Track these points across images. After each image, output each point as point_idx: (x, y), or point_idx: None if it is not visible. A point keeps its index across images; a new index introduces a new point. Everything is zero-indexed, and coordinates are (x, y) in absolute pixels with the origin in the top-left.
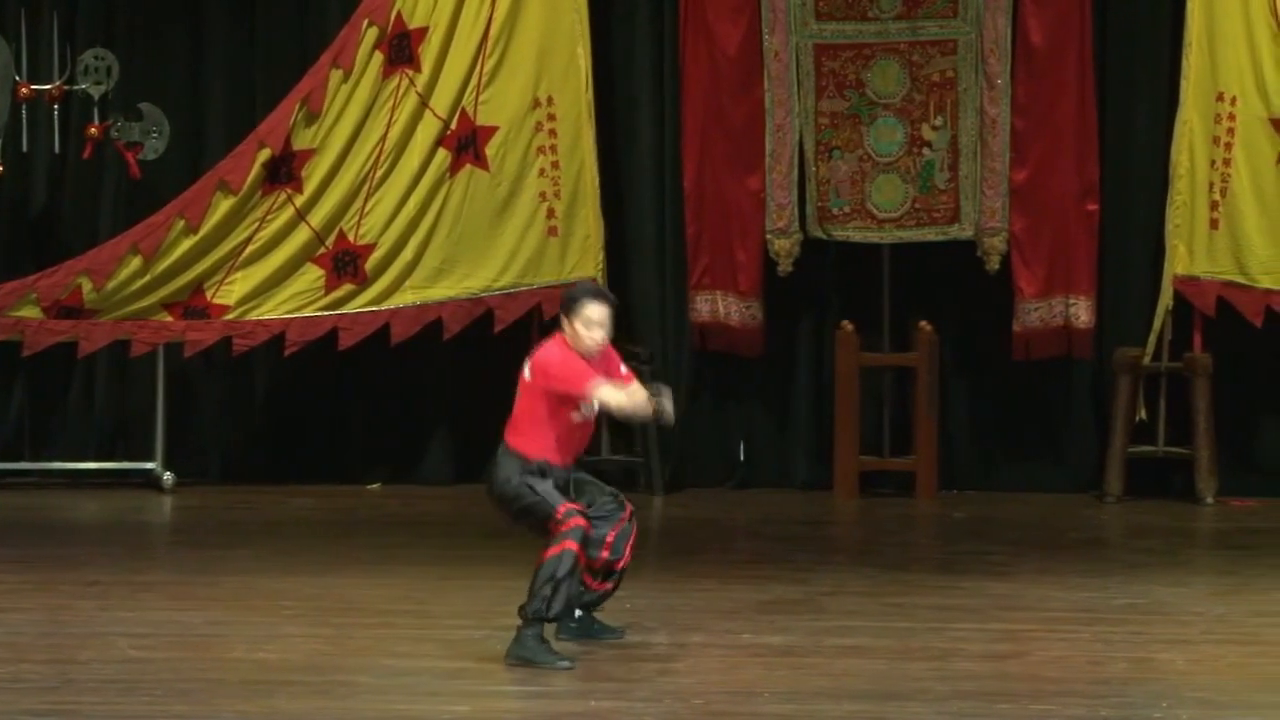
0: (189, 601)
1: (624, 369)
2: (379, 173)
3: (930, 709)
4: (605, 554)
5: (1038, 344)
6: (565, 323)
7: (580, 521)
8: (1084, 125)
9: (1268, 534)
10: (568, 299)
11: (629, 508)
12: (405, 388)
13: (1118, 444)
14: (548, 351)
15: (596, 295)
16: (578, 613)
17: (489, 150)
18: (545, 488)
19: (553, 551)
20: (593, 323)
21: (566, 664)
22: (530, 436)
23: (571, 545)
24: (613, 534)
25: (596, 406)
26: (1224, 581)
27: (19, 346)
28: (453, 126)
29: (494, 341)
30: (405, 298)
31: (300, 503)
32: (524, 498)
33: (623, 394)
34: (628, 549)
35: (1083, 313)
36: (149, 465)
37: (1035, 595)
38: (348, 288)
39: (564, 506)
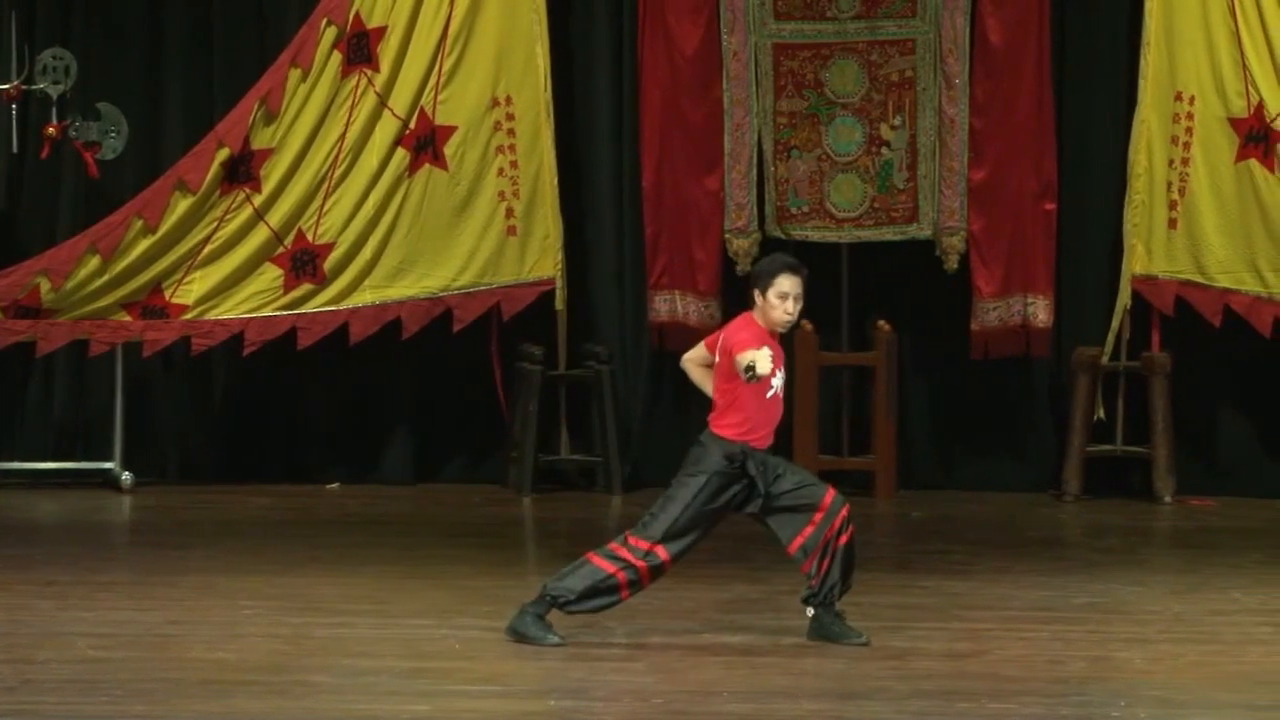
0: (148, 601)
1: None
2: (337, 172)
3: (889, 708)
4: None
5: (996, 343)
6: (757, 296)
7: (663, 559)
8: (1042, 125)
9: (1226, 533)
10: (759, 272)
11: (826, 499)
12: (364, 388)
13: (1076, 443)
14: (730, 329)
15: (789, 267)
16: (809, 610)
17: (448, 150)
18: (697, 503)
19: (613, 566)
20: (786, 295)
21: (557, 640)
22: (728, 419)
23: (632, 572)
24: (799, 540)
25: (778, 379)
26: (1182, 580)
27: None
28: (411, 126)
29: (453, 341)
30: (364, 297)
31: (259, 503)
32: (674, 493)
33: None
34: (818, 551)
35: (1041, 312)
36: (107, 465)
37: (994, 594)
38: (306, 287)
39: (664, 545)
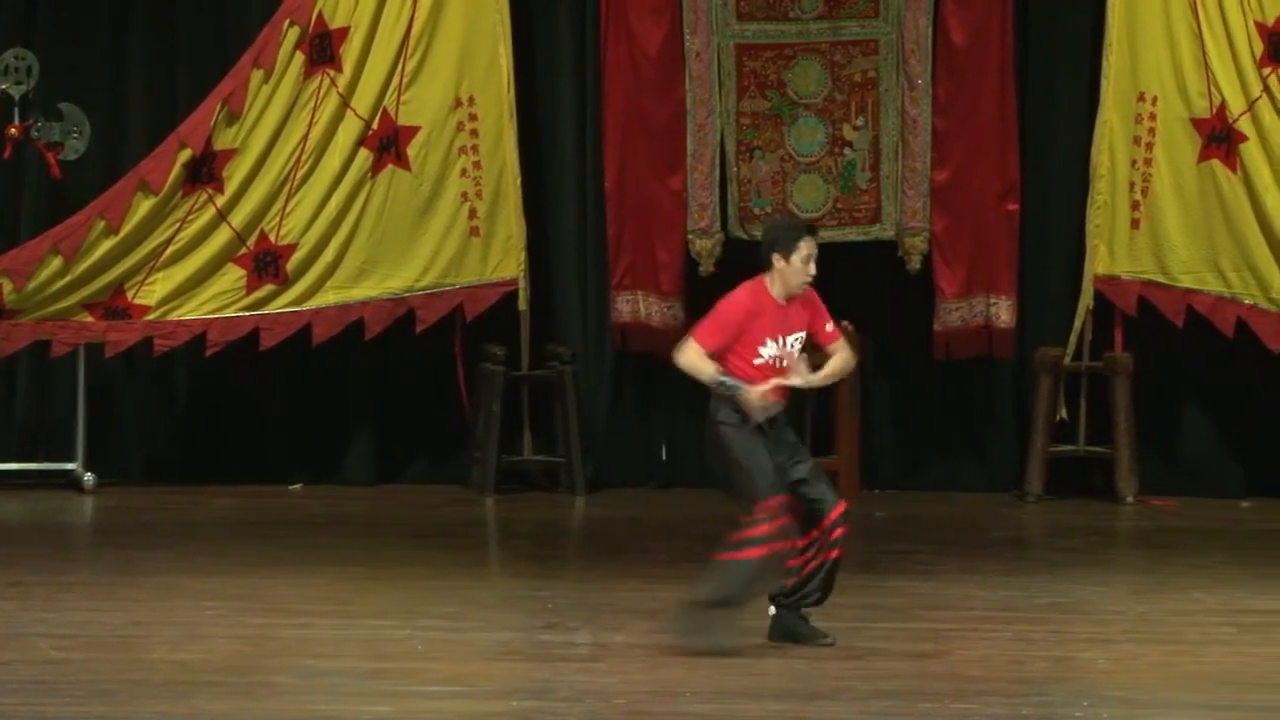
0: (110, 602)
1: (829, 326)
2: (300, 173)
3: (852, 708)
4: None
5: (958, 344)
6: (778, 260)
7: (775, 503)
8: (1005, 125)
9: (1187, 533)
10: (778, 238)
11: (836, 511)
12: (327, 388)
13: (1039, 443)
14: (733, 294)
15: (808, 230)
16: (771, 609)
17: (411, 150)
18: (752, 446)
19: (754, 553)
20: (810, 258)
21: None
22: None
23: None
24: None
25: (767, 349)
26: (1144, 580)
27: None
28: (374, 127)
29: (416, 342)
30: (327, 298)
31: (222, 503)
32: (727, 466)
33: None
34: (809, 554)
35: (1003, 312)
36: (70, 466)
37: (957, 594)
38: (269, 288)
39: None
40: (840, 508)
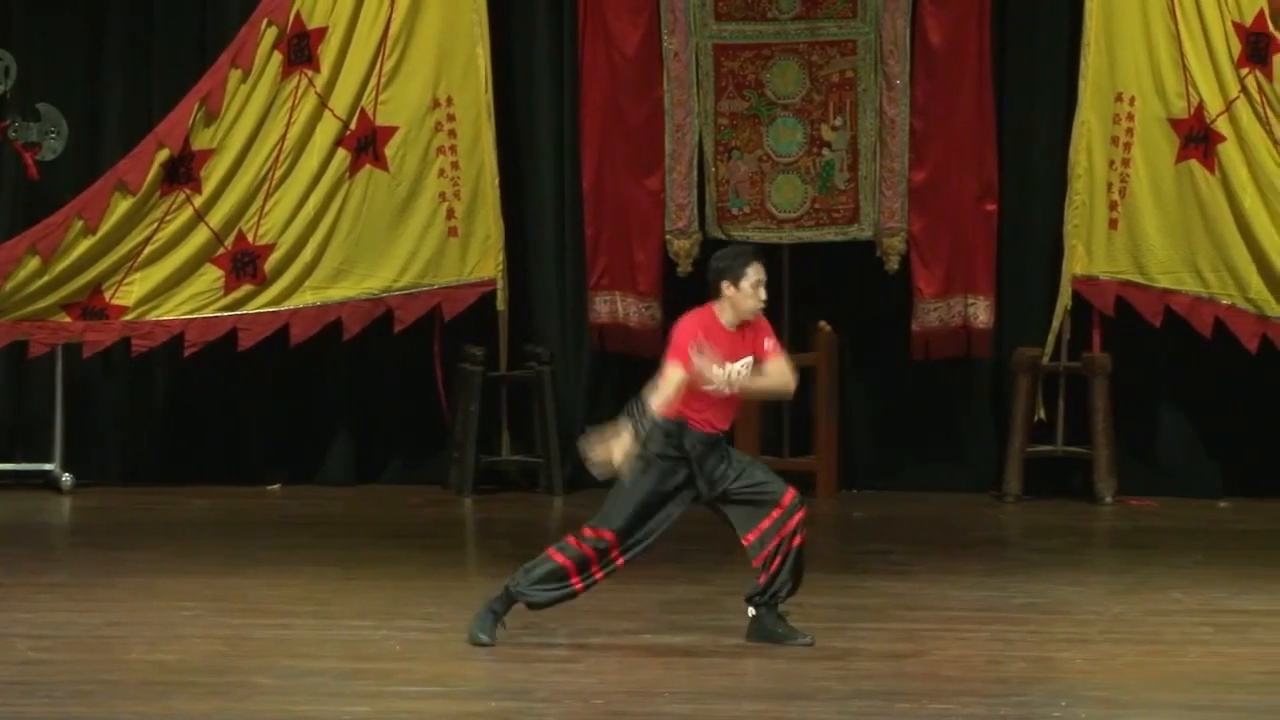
0: (88, 603)
1: (769, 343)
2: (278, 173)
3: (830, 708)
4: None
5: (937, 344)
6: (727, 288)
7: (609, 541)
8: (983, 126)
9: (1166, 533)
10: (725, 266)
11: (786, 497)
12: (305, 389)
13: (1017, 443)
14: (682, 321)
15: (755, 255)
16: (750, 610)
17: (388, 150)
18: (642, 486)
19: (563, 557)
20: (760, 283)
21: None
22: (687, 402)
23: (580, 558)
24: (754, 533)
25: (723, 378)
26: (1122, 580)
27: None
28: (352, 127)
29: (394, 342)
30: (305, 298)
31: (200, 504)
32: (619, 485)
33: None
34: (771, 546)
35: (981, 313)
36: (48, 466)
37: (934, 594)
38: (247, 288)
39: (611, 531)
40: (790, 493)
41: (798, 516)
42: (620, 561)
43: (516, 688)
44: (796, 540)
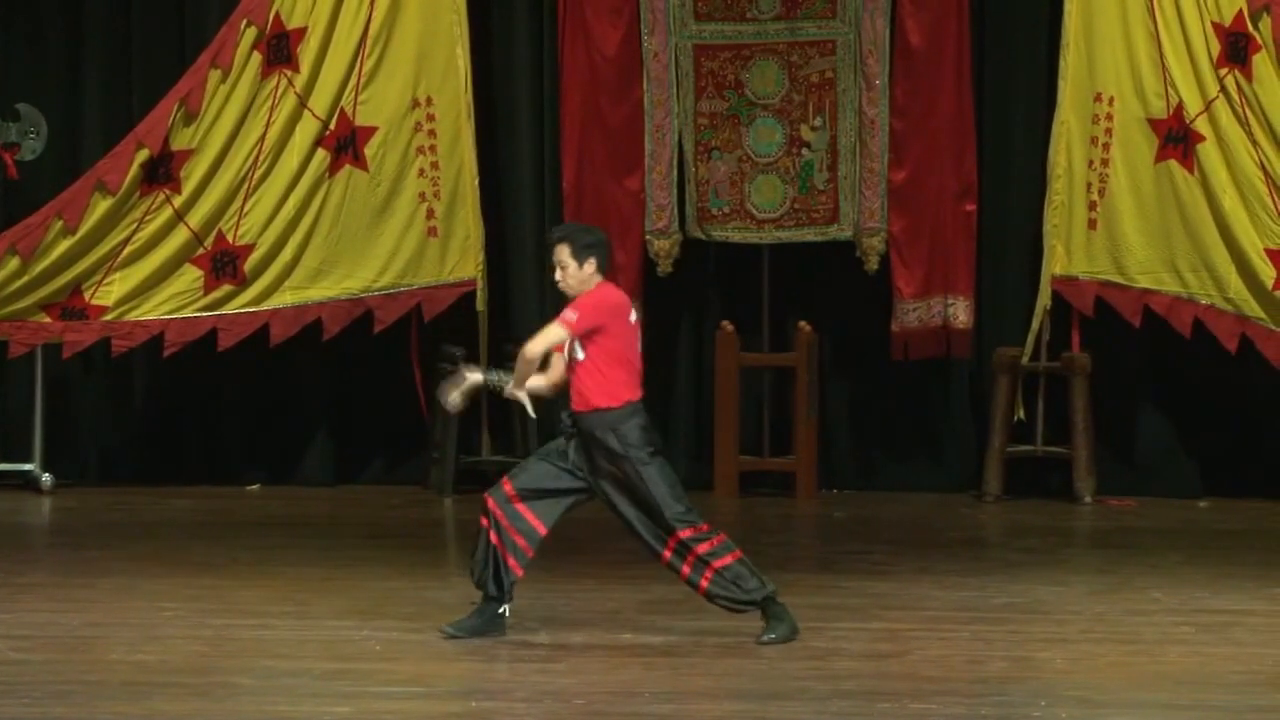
0: (68, 603)
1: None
2: (258, 173)
3: (810, 708)
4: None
5: (916, 344)
6: (590, 266)
7: (507, 492)
8: (962, 126)
9: (1145, 533)
10: (595, 242)
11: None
12: (285, 389)
13: (996, 443)
14: (606, 291)
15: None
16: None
17: (368, 150)
18: (540, 451)
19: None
20: (553, 266)
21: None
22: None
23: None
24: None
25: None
26: (1102, 580)
27: None
28: (331, 127)
29: (374, 342)
30: (284, 298)
31: (180, 504)
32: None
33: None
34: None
35: (961, 313)
36: (27, 467)
37: (915, 594)
38: (226, 288)
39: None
40: (677, 536)
41: (702, 548)
42: (516, 501)
43: (497, 688)
44: (725, 561)
